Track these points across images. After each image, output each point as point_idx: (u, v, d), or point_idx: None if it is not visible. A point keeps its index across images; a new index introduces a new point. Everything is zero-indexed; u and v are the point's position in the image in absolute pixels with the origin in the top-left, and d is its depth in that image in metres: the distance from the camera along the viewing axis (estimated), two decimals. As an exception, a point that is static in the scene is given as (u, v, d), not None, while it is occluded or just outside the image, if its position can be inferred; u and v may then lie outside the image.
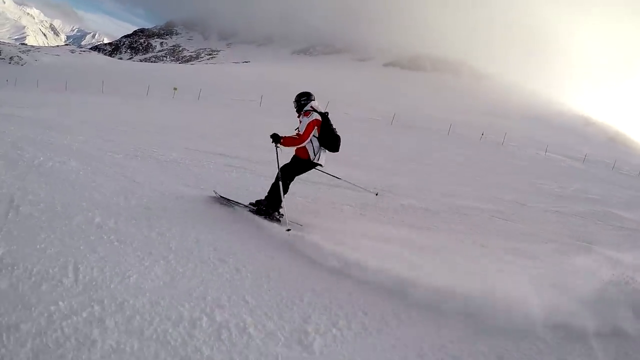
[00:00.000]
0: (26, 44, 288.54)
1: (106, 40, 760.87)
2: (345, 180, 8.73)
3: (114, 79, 71.00)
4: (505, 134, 55.00)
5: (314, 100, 7.31)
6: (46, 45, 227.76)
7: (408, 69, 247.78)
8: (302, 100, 7.28)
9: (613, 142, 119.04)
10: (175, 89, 52.30)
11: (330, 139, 7.17)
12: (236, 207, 7.39)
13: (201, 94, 53.33)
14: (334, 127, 7.27)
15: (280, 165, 7.25)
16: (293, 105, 7.41)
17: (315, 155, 7.16)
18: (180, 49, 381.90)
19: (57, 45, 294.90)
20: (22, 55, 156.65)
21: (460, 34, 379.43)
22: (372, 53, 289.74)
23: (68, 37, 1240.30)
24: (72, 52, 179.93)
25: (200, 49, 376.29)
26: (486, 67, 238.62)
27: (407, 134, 38.48)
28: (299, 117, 7.30)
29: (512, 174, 23.43)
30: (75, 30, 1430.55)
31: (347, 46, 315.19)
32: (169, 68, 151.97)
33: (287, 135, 7.20)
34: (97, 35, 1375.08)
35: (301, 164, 7.26)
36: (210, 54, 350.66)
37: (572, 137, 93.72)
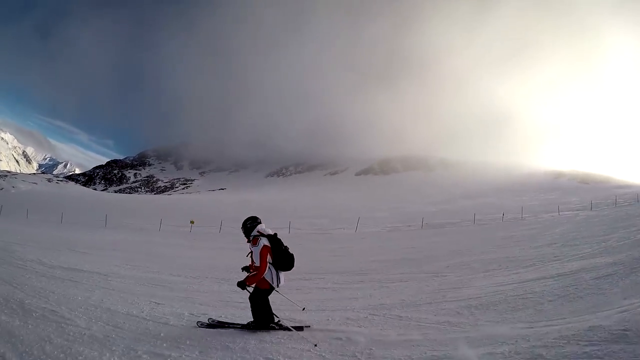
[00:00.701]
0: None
1: (78, 171, 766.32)
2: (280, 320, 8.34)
3: (105, 211, 70.14)
4: (503, 213, 55.44)
5: (260, 223, 7.84)
6: (18, 171, 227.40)
7: (381, 173, 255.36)
8: (248, 224, 7.81)
9: (586, 184, 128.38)
10: (192, 222, 51.82)
11: (284, 260, 7.59)
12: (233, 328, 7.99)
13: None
14: (285, 246, 7.72)
15: (249, 296, 7.87)
16: (241, 230, 7.90)
17: (275, 282, 7.66)
18: (154, 179, 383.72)
19: (34, 173, 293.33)
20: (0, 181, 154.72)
21: (421, 130, 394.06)
22: (344, 165, 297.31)
23: (40, 165, 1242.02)
24: (50, 181, 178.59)
25: (175, 178, 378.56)
26: (453, 155, 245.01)
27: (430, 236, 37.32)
28: (248, 242, 7.76)
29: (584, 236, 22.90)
30: (48, 159, 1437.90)
31: (320, 162, 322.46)
32: (154, 199, 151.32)
33: (248, 275, 7.64)
34: (68, 165, 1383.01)
35: (264, 293, 7.74)
36: (184, 184, 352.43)
37: (555, 192, 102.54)
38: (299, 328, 7.82)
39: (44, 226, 42.91)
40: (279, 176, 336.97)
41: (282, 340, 7.23)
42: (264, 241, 7.46)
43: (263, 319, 7.68)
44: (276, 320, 7.88)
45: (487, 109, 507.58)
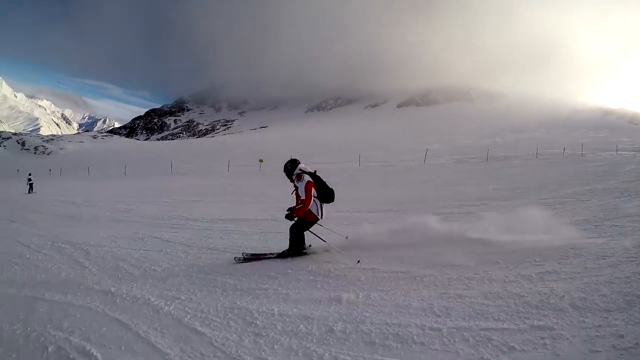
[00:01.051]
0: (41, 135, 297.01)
1: (117, 124, 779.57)
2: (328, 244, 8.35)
3: (158, 160, 69.43)
4: (564, 148, 54.23)
5: (300, 163, 8.14)
6: (61, 134, 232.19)
7: (422, 105, 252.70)
8: (289, 166, 8.13)
9: (634, 124, 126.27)
10: (261, 161, 51.68)
11: (326, 194, 8.09)
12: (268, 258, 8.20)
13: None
14: (325, 181, 8.16)
15: (290, 227, 8.16)
16: (284, 173, 8.26)
17: (319, 213, 8.03)
18: (195, 123, 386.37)
19: (77, 133, 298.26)
20: (47, 145, 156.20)
21: (464, 60, 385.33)
22: (384, 97, 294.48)
23: (80, 125, 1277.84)
24: (95, 138, 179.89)
25: (214, 121, 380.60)
26: (496, 87, 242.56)
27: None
28: (291, 182, 8.10)
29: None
30: (86, 118, 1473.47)
31: (359, 95, 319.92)
32: (201, 143, 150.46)
33: (295, 207, 8.00)
34: (107, 120, 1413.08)
35: (308, 224, 8.07)
36: (225, 125, 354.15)
37: (604, 131, 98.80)
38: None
39: (115, 181, 42.82)
40: (318, 110, 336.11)
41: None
42: (307, 177, 7.86)
43: (297, 246, 8.07)
44: (308, 245, 8.30)
45: (533, 39, 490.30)
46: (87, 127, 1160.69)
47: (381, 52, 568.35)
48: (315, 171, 8.27)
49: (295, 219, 8.05)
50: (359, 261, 7.20)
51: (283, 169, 8.28)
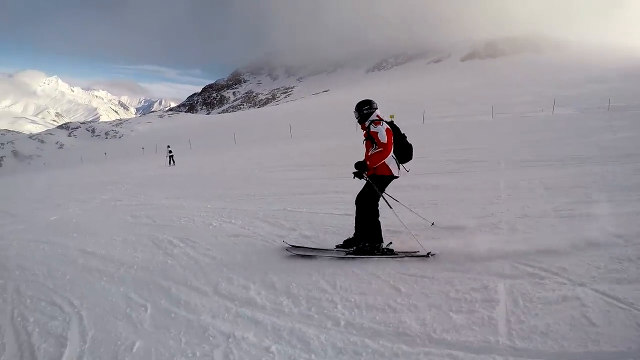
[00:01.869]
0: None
1: (173, 104, 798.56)
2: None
3: (251, 129, 67.68)
4: None
5: (376, 108, 6.34)
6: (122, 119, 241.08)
7: (488, 57, 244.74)
8: (365, 110, 6.29)
9: None
10: (392, 116, 48.82)
11: (404, 149, 6.28)
12: (320, 255, 6.04)
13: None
14: (404, 134, 6.35)
15: (357, 196, 6.17)
16: (354, 115, 6.41)
17: (396, 170, 6.11)
18: (254, 94, 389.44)
19: (136, 116, 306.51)
20: (117, 129, 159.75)
21: (531, 6, 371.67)
22: (446, 51, 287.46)
23: (137, 109, 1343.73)
24: (161, 117, 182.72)
25: (274, 89, 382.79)
26: (565, 35, 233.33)
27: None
28: (362, 128, 6.32)
29: None
30: (143, 102, 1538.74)
31: (419, 51, 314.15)
32: (274, 110, 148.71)
33: (371, 154, 5.97)
34: (163, 101, 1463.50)
35: (382, 183, 6.10)
36: (285, 92, 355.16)
37: None
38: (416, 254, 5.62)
39: (239, 149, 40.02)
40: (379, 70, 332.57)
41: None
42: (385, 124, 6.00)
43: (372, 231, 5.89)
44: (388, 243, 6.04)
45: None
46: (144, 110, 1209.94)
47: (439, 1, 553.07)
48: (392, 121, 6.40)
49: (366, 175, 6.02)
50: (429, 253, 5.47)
51: (355, 110, 6.40)
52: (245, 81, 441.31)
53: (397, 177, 6.18)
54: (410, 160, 6.39)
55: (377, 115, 6.29)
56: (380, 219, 6.00)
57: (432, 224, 6.85)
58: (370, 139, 6.11)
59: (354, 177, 6.12)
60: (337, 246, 6.30)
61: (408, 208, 6.69)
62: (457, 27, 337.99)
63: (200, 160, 32.89)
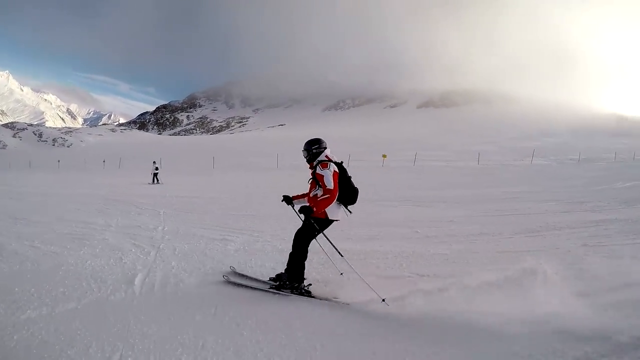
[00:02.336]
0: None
1: (122, 120, 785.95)
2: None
3: (194, 155, 67.46)
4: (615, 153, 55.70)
5: (326, 148, 6.32)
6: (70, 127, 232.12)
7: (442, 106, 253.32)
8: (314, 149, 6.26)
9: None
10: (384, 156, 51.20)
11: (348, 192, 6.14)
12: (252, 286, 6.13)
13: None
14: (350, 176, 6.27)
15: (296, 231, 6.16)
16: (303, 154, 6.36)
17: (339, 214, 6.09)
18: (208, 120, 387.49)
19: (83, 126, 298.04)
20: (65, 137, 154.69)
21: (485, 62, 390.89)
22: (403, 97, 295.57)
23: (85, 120, 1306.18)
24: (113, 131, 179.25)
25: (229, 117, 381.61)
26: (516, 91, 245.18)
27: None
28: (310, 167, 6.26)
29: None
30: (92, 113, 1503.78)
31: (377, 95, 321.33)
32: (227, 139, 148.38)
33: (317, 200, 5.91)
34: (112, 115, 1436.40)
35: (320, 224, 6.02)
36: (240, 122, 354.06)
37: (627, 138, 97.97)
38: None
39: (228, 175, 39.31)
40: (336, 109, 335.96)
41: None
42: (334, 167, 5.94)
43: (296, 268, 5.95)
44: (307, 284, 6.08)
45: (554, 44, 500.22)
46: (91, 122, 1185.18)
47: (401, 51, 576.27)
48: (342, 162, 6.36)
49: (307, 221, 6.03)
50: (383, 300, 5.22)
51: (303, 149, 6.34)
52: (200, 106, 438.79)
53: (338, 220, 6.13)
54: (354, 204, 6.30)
55: (326, 156, 6.26)
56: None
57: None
58: (316, 180, 6.08)
59: (301, 212, 6.03)
60: (270, 278, 6.37)
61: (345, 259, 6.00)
62: (415, 76, 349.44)
63: (185, 181, 31.77)
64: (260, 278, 6.44)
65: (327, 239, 6.02)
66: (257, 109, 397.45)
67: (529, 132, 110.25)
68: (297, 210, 6.20)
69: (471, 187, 21.97)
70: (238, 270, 6.71)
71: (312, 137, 6.51)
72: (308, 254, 6.10)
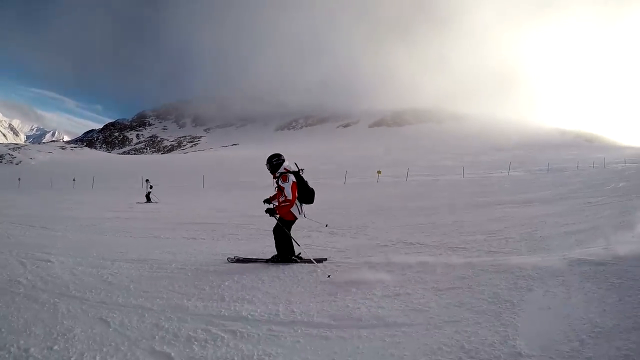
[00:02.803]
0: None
1: (66, 138, 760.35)
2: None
3: (158, 174, 65.73)
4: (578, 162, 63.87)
5: (284, 160, 8.16)
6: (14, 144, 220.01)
7: (394, 124, 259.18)
8: (274, 161, 8.11)
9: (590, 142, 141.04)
10: (379, 172, 52.83)
11: (306, 194, 8.19)
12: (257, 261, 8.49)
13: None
14: (306, 181, 8.27)
15: (273, 229, 8.34)
16: (266, 167, 8.23)
17: (300, 214, 8.20)
18: (159, 139, 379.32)
19: (52, 141, 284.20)
20: (14, 153, 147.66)
21: (435, 83, 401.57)
22: (355, 117, 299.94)
23: (28, 137, 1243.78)
24: (63, 149, 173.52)
25: (180, 137, 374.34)
26: (464, 109, 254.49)
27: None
28: (274, 178, 8.15)
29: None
30: (35, 129, 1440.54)
31: (330, 114, 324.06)
32: (186, 158, 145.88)
33: (279, 204, 8.10)
34: (56, 133, 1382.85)
35: (288, 223, 8.17)
36: (192, 141, 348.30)
37: (574, 149, 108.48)
38: (319, 260, 8.17)
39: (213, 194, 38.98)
40: (289, 129, 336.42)
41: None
42: (292, 178, 7.91)
43: (285, 251, 8.23)
44: (297, 253, 8.37)
45: (499, 66, 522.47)
46: (35, 139, 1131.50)
47: (354, 72, 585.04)
48: (301, 170, 8.29)
49: (277, 216, 8.16)
50: (329, 276, 7.15)
51: (266, 162, 8.24)
52: (150, 124, 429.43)
53: (297, 219, 8.23)
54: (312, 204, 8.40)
55: (285, 168, 8.03)
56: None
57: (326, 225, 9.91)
58: (279, 190, 8.05)
59: (266, 213, 8.08)
60: (267, 260, 8.40)
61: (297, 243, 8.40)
62: (367, 96, 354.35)
63: (183, 200, 31.41)
64: (261, 257, 8.70)
65: (291, 237, 8.25)
66: (209, 129, 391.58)
67: (482, 148, 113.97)
68: (265, 210, 8.12)
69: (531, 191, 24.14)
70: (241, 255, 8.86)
71: (271, 153, 8.33)
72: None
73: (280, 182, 7.95)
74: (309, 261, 8.05)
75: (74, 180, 60.07)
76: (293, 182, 7.89)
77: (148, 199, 30.10)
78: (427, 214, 15.77)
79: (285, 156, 8.34)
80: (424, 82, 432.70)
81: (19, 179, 65.43)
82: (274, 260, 8.29)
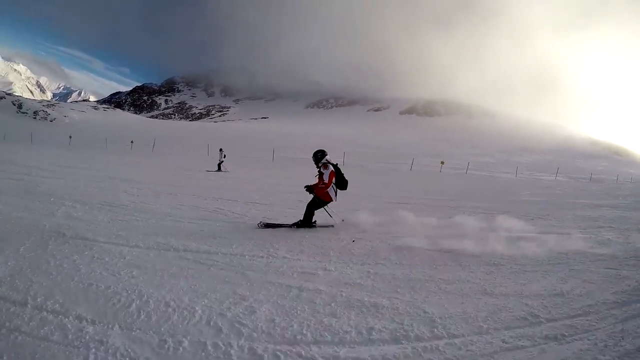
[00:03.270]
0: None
1: (92, 98, 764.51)
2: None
3: (195, 139, 65.98)
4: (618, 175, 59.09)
5: (327, 155, 10.03)
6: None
7: (425, 114, 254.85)
8: (319, 155, 10.01)
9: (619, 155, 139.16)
10: (442, 163, 54.86)
11: (342, 183, 10.15)
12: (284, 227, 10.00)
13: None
14: (343, 173, 10.23)
15: (308, 203, 10.08)
16: (312, 159, 10.20)
17: (334, 198, 10.07)
18: (187, 106, 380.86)
19: (80, 101, 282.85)
20: (48, 110, 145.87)
21: (469, 79, 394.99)
22: (386, 102, 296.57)
23: (54, 95, 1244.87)
24: (95, 109, 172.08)
25: (209, 105, 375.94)
26: (496, 107, 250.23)
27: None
28: (317, 168, 10.00)
29: None
30: (62, 88, 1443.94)
31: (361, 97, 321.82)
32: (216, 127, 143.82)
33: (318, 186, 9.92)
34: (82, 93, 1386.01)
35: (322, 203, 10.02)
36: (221, 111, 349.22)
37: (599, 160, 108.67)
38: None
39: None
40: (319, 108, 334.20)
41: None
42: (331, 167, 9.81)
43: (308, 220, 9.95)
44: (314, 221, 10.08)
45: (536, 68, 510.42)
46: (61, 97, 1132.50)
47: (388, 58, 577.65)
48: (337, 164, 10.20)
49: (312, 196, 10.01)
50: (354, 240, 8.83)
51: (312, 156, 10.14)
52: (179, 91, 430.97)
53: (332, 201, 10.08)
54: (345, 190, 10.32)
55: (326, 159, 9.87)
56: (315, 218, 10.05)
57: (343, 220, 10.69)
58: (320, 175, 9.81)
59: (305, 189, 10.08)
60: (292, 224, 9.99)
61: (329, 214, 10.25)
62: (400, 83, 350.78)
63: (259, 174, 29.68)
64: (286, 222, 10.19)
65: (327, 211, 10.10)
66: (238, 100, 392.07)
67: (513, 148, 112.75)
68: (304, 188, 10.12)
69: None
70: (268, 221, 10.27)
71: (318, 148, 10.34)
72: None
73: (322, 170, 9.82)
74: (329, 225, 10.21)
75: (132, 142, 59.90)
76: (331, 171, 9.78)
77: (219, 168, 29.98)
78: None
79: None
80: (457, 75, 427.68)
81: (70, 137, 65.39)
82: (297, 224, 9.98)
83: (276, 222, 10.19)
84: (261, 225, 9.81)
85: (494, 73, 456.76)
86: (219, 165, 30.36)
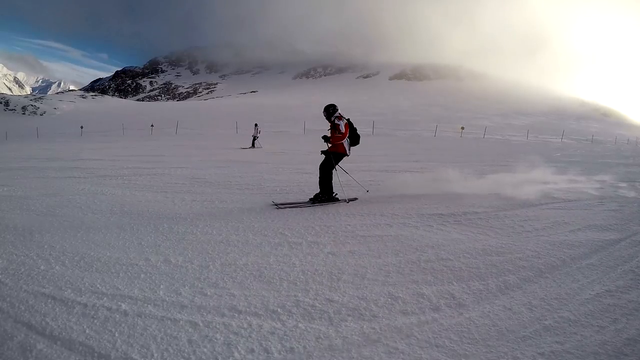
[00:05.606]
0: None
1: (72, 87, 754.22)
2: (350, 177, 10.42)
3: (192, 120, 65.60)
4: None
5: (338, 109, 9.71)
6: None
7: (414, 79, 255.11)
8: (331, 109, 9.69)
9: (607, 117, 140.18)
10: (462, 128, 56.07)
11: (355, 137, 9.92)
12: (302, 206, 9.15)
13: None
14: (355, 127, 9.97)
15: (320, 164, 9.66)
16: (323, 114, 9.88)
17: (348, 150, 9.76)
18: (173, 86, 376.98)
19: (62, 92, 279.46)
20: (36, 104, 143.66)
21: (457, 41, 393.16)
22: (375, 69, 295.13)
23: (33, 89, 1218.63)
24: (84, 98, 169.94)
25: (195, 83, 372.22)
26: (486, 69, 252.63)
27: None
28: (330, 122, 9.64)
29: None
30: (40, 81, 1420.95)
31: (349, 65, 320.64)
32: (214, 105, 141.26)
33: (335, 136, 9.49)
34: (62, 83, 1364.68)
35: (338, 156, 9.65)
36: (207, 88, 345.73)
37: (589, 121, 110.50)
38: (353, 199, 9.78)
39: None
40: (307, 78, 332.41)
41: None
42: (345, 120, 9.49)
43: (328, 188, 9.46)
44: (334, 194, 9.60)
45: (524, 28, 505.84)
46: (40, 90, 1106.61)
47: (373, 23, 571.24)
48: (349, 118, 9.76)
49: (329, 144, 9.69)
50: (367, 191, 10.20)
51: (323, 111, 9.82)
52: (163, 71, 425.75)
53: (348, 155, 9.72)
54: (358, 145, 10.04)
55: (339, 113, 9.56)
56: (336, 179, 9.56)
57: (367, 191, 10.57)
58: (334, 127, 9.42)
59: (322, 138, 9.80)
60: (309, 199, 9.57)
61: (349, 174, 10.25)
62: (388, 48, 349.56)
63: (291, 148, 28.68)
64: (302, 200, 9.67)
65: (344, 170, 9.88)
66: (224, 75, 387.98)
67: (506, 110, 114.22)
68: (321, 137, 9.83)
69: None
70: (281, 201, 9.57)
71: (327, 103, 9.83)
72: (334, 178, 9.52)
73: (336, 121, 9.43)
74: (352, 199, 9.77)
75: (152, 126, 59.05)
76: (346, 122, 9.49)
77: (253, 144, 29.76)
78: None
79: (320, 105, 10.86)
80: (445, 37, 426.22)
81: (82, 127, 64.29)
82: (317, 198, 9.46)
83: (294, 202, 9.51)
84: (279, 205, 9.06)
85: (481, 34, 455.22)
86: (252, 141, 30.10)
